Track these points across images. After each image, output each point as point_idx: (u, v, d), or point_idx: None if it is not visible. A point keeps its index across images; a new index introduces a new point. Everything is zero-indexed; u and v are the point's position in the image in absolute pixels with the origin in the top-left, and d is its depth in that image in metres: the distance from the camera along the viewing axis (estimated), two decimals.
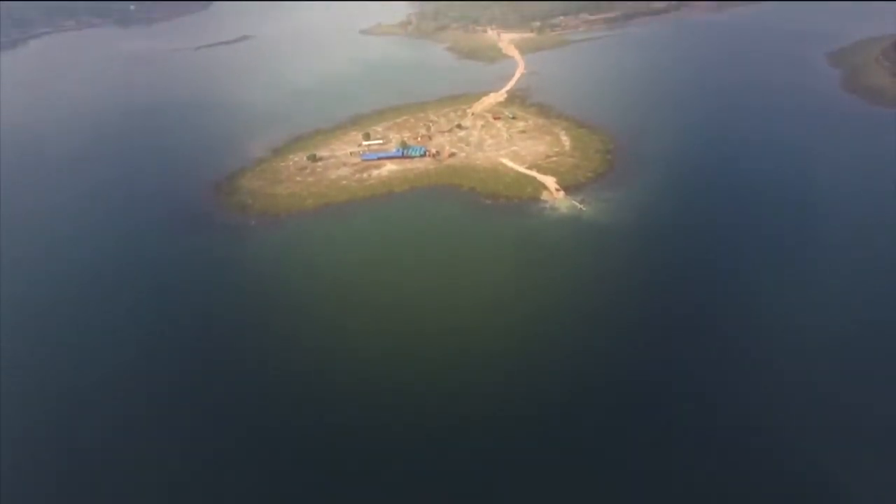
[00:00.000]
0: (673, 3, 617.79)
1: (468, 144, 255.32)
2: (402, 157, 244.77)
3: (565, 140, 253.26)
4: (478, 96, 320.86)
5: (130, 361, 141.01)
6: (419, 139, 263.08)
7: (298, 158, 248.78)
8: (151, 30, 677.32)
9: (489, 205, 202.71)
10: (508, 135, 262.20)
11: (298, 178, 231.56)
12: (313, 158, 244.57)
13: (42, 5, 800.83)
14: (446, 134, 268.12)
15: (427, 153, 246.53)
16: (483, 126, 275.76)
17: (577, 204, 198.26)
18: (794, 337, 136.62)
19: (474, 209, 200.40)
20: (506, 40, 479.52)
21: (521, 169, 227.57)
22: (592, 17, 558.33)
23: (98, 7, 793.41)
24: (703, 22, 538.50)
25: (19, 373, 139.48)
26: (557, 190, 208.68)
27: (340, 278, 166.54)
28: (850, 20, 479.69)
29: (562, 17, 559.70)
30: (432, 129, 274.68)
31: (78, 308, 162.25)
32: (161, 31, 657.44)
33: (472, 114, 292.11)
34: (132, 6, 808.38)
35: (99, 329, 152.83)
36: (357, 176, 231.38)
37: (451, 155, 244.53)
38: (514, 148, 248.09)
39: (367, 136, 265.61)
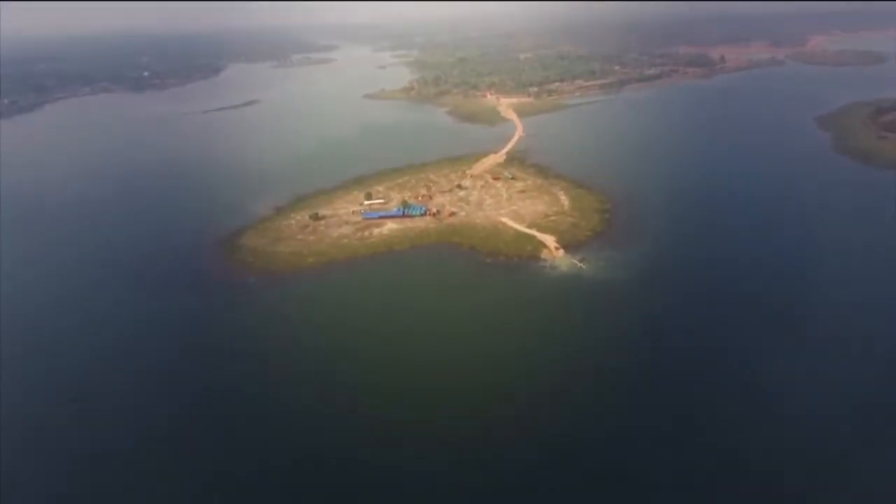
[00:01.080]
0: (664, 69, 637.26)
1: (468, 204, 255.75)
2: (403, 216, 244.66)
3: (564, 200, 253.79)
4: (478, 157, 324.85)
5: (124, 421, 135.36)
6: (420, 199, 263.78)
7: (301, 217, 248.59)
8: (164, 94, 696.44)
9: (489, 263, 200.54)
10: (508, 194, 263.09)
11: (300, 237, 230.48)
12: (315, 217, 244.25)
13: (60, 73, 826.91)
14: (447, 194, 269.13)
15: (428, 212, 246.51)
16: (483, 186, 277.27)
17: (576, 262, 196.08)
18: (799, 400, 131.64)
19: (475, 267, 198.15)
20: (504, 104, 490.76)
21: (521, 228, 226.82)
22: (588, 84, 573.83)
23: (114, 74, 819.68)
24: (693, 87, 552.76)
25: (13, 431, 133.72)
26: (557, 248, 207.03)
27: (340, 336, 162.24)
28: (832, 86, 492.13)
29: (558, 83, 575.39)
30: (433, 188, 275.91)
31: (73, 363, 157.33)
32: (172, 96, 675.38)
33: (472, 175, 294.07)
34: (146, 73, 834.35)
35: (94, 386, 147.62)
36: (358, 234, 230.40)
37: (452, 214, 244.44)
38: (514, 207, 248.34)
39: (368, 196, 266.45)
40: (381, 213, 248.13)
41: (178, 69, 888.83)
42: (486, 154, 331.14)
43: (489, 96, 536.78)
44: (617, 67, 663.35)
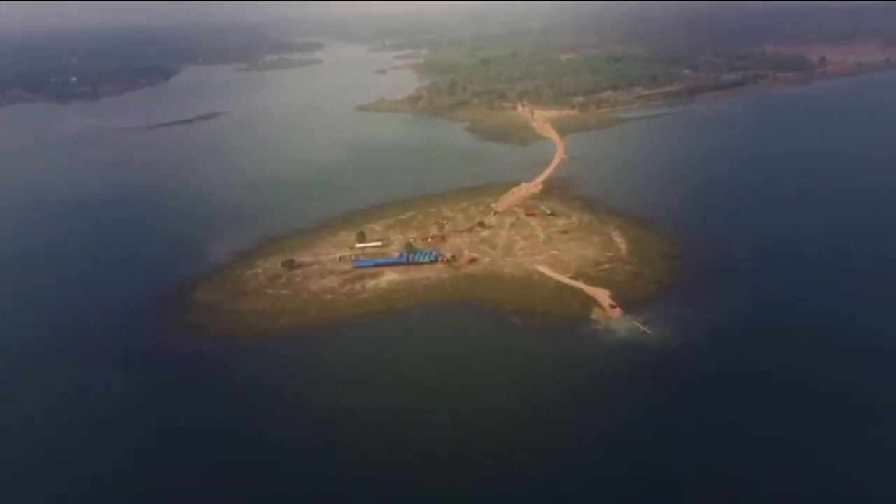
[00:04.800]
0: (748, 74, 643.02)
1: (494, 248, 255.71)
2: (408, 263, 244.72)
3: (620, 242, 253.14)
4: (506, 187, 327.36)
5: None
6: (429, 241, 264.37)
7: (271, 265, 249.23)
8: (96, 106, 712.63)
9: (521, 327, 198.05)
10: (546, 235, 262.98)
11: (269, 291, 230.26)
12: (290, 265, 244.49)
13: None
14: (465, 234, 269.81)
15: (440, 259, 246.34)
16: (513, 224, 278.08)
17: (639, 325, 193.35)
18: None
19: (502, 333, 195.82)
20: (541, 118, 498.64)
21: (564, 279, 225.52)
22: (648, 92, 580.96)
23: (31, 80, 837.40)
24: (786, 97, 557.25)
25: None
26: (612, 307, 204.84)
27: (319, 429, 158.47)
28: None
29: (610, 92, 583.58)
30: (447, 227, 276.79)
31: None
32: (108, 107, 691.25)
33: (498, 210, 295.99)
34: (74, 78, 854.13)
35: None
36: (347, 288, 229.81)
37: (472, 261, 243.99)
38: (554, 252, 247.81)
39: (361, 237, 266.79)
40: (378, 260, 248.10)
41: (117, 73, 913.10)
42: (516, 183, 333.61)
43: (521, 108, 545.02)
44: (686, 72, 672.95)
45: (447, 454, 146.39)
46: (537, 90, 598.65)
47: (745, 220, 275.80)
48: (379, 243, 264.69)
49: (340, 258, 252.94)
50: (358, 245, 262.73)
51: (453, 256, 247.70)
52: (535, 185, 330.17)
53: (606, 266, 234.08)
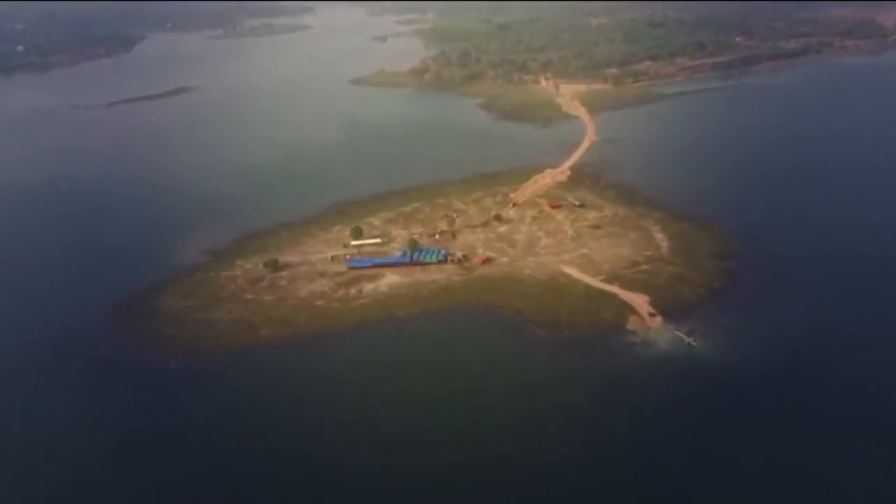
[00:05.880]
0: (811, 41, 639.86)
1: (513, 245, 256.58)
2: (412, 263, 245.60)
3: (660, 238, 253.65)
4: (527, 174, 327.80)
5: None
6: (437, 237, 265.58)
7: (251, 266, 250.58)
8: (46, 79, 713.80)
9: (545, 338, 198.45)
10: (574, 231, 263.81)
11: (250, 296, 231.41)
12: (274, 266, 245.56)
13: None
14: (479, 229, 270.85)
15: (449, 258, 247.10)
16: (535, 218, 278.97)
17: (683, 337, 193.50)
18: None
19: (522, 345, 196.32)
20: (567, 94, 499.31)
21: (595, 282, 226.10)
22: (693, 63, 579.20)
23: None
24: (856, 68, 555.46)
25: None
26: (652, 314, 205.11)
27: (309, 458, 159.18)
28: None
29: (649, 63, 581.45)
30: (457, 222, 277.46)
31: None
32: (60, 81, 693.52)
33: (517, 201, 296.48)
34: (20, 47, 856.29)
35: None
36: (341, 292, 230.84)
37: (487, 261, 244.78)
38: (584, 251, 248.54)
39: (357, 233, 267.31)
40: (377, 260, 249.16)
41: (70, 41, 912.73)
42: (539, 169, 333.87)
43: (544, 82, 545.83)
44: (738, 39, 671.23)
45: (459, 485, 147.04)
46: (563, 61, 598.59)
47: (805, 212, 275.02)
48: (378, 240, 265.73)
49: (333, 258, 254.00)
50: (353, 242, 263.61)
51: (465, 256, 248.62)
52: (562, 172, 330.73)
53: (645, 267, 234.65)
